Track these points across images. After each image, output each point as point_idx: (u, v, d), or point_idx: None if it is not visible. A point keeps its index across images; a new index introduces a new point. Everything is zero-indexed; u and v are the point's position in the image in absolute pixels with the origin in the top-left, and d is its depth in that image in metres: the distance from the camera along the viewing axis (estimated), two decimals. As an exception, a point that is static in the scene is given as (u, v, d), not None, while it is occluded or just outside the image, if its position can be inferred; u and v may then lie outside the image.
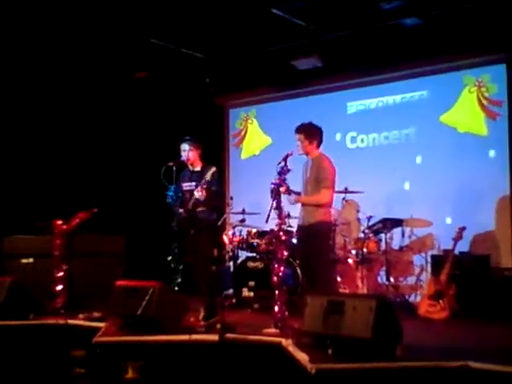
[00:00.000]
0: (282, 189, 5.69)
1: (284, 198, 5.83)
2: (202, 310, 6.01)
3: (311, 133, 6.00)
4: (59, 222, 6.80)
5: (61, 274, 6.66)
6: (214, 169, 6.13)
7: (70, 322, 6.05)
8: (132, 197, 9.34)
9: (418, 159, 8.24)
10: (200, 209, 6.15)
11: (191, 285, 6.20)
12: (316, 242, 5.87)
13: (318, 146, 6.04)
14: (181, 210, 6.22)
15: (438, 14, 7.40)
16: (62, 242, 6.75)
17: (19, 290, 6.48)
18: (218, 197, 6.35)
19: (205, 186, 5.99)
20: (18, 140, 8.39)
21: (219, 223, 7.33)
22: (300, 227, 6.06)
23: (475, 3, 7.15)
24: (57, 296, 6.58)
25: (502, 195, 7.55)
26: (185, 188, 6.35)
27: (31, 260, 7.13)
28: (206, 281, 6.14)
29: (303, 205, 6.00)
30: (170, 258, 6.17)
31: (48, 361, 5.70)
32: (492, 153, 7.68)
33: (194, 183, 6.22)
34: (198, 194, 5.99)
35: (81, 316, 6.14)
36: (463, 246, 7.19)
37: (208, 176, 6.02)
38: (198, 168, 6.40)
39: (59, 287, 6.63)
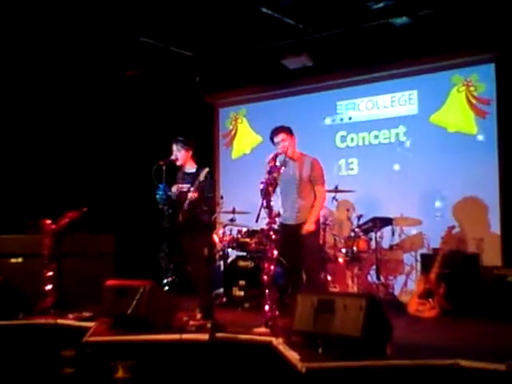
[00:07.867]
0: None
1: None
2: (200, 310, 5.97)
3: (290, 131, 6.13)
4: (48, 222, 6.77)
5: (50, 273, 6.63)
6: (206, 169, 6.13)
7: (60, 321, 6.02)
8: (122, 196, 9.31)
9: (408, 158, 8.26)
10: (194, 209, 6.15)
11: (183, 284, 6.19)
12: (311, 239, 5.96)
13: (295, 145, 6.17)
14: (171, 211, 6.21)
15: (427, 14, 7.42)
16: (52, 241, 6.72)
17: (8, 289, 6.45)
18: (210, 199, 6.35)
19: (198, 185, 6.00)
20: (6, 139, 8.34)
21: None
22: (290, 225, 6.07)
23: (464, 3, 7.17)
24: (46, 296, 6.54)
25: (492, 194, 7.58)
26: (180, 189, 6.32)
27: (20, 259, 7.07)
28: (202, 280, 6.14)
29: (289, 203, 6.15)
30: (160, 257, 6.16)
31: (37, 361, 5.67)
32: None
33: (187, 185, 6.19)
34: (190, 194, 6.01)
35: (70, 316, 6.10)
36: (452, 245, 7.22)
37: (201, 177, 6.03)
38: (191, 169, 6.37)
39: (49, 287, 6.59)
